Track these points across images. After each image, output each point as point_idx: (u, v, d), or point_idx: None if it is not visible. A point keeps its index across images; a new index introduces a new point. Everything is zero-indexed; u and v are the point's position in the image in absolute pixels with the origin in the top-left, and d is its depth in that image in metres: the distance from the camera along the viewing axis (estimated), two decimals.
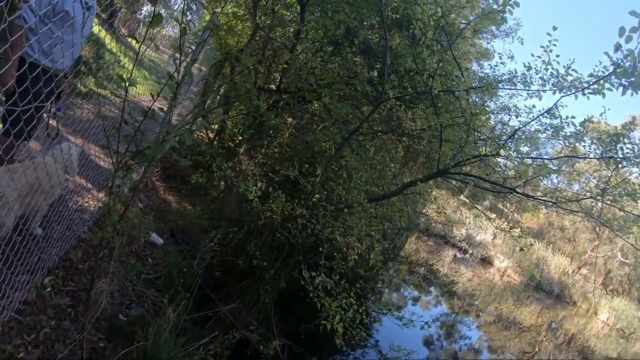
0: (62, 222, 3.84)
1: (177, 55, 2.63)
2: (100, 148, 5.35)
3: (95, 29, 10.09)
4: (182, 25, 2.55)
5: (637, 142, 5.01)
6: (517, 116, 6.86)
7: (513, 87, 6.60)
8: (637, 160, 4.83)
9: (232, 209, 6.22)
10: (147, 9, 17.94)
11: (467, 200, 9.92)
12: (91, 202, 4.89)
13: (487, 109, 6.54)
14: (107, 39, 10.67)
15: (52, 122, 3.65)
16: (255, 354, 4.69)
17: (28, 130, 2.89)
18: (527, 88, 5.80)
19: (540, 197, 5.97)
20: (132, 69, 2.78)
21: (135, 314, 3.84)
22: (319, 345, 5.60)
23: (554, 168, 5.82)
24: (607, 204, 5.37)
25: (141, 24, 19.33)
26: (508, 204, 27.77)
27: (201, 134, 9.12)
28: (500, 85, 6.91)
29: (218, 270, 5.25)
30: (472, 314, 15.55)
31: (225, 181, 5.01)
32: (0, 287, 2.76)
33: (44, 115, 3.63)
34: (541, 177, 5.92)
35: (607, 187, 5.17)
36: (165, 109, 5.37)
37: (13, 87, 3.10)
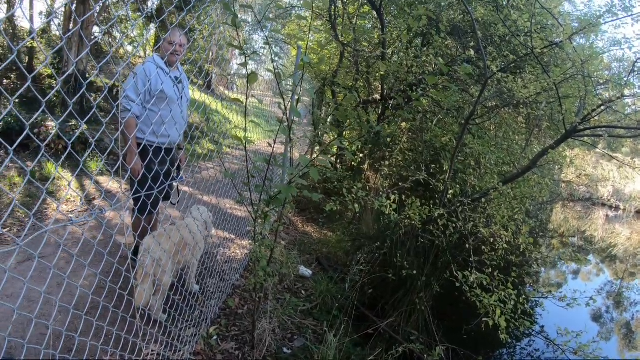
0: (215, 275, 4.16)
1: (280, 100, 2.76)
2: (234, 201, 5.70)
3: (197, 95, 10.92)
4: (276, 70, 2.69)
5: None
6: (630, 48, 6.15)
7: (616, 18, 5.90)
8: None
9: (370, 226, 6.25)
10: (236, 61, 19.10)
11: (604, 153, 9.03)
12: (237, 251, 5.23)
13: (596, 50, 5.95)
14: (210, 101, 11.50)
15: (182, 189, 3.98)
16: None
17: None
18: (631, 14, 5.20)
19: None
20: (245, 127, 2.95)
21: (298, 345, 3.97)
22: (482, 343, 5.38)
23: None
24: None
25: (235, 76, 20.58)
26: None
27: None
28: (601, 20, 6.24)
29: (370, 288, 5.28)
30: (638, 276, 14.08)
31: (359, 203, 5.05)
32: (172, 344, 3.05)
33: (174, 184, 4.00)
34: None
35: None
36: (282, 150, 5.64)
37: (143, 173, 3.45)
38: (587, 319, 8.68)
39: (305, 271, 5.51)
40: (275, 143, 2.95)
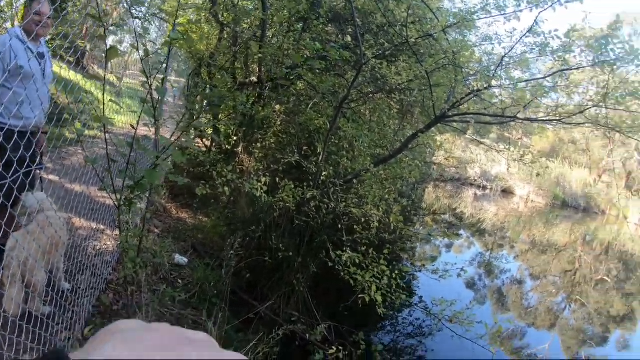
0: (85, 271, 3.86)
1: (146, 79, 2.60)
2: (99, 189, 5.32)
3: (65, 73, 10.03)
4: (144, 47, 2.53)
5: (627, 39, 4.86)
6: (500, 43, 6.65)
7: (489, 15, 6.35)
8: (630, 58, 4.69)
9: (245, 210, 6.17)
10: (112, 39, 17.88)
11: (473, 138, 9.90)
12: (109, 243, 4.88)
13: (468, 43, 6.38)
14: (80, 80, 10.59)
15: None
16: (304, 342, 4.71)
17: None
18: (502, 13, 5.61)
19: (543, 118, 5.84)
20: (103, 108, 2.73)
21: None
22: (365, 317, 5.61)
23: (550, 85, 5.68)
24: (612, 108, 5.25)
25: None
26: (514, 132, 27.63)
27: (198, 144, 9.06)
28: (475, 16, 6.69)
29: (247, 273, 5.24)
30: (506, 247, 15.68)
31: (229, 186, 4.95)
32: (43, 352, 2.77)
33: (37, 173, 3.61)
34: (539, 98, 5.79)
35: (607, 91, 5.03)
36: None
37: None
38: (463, 287, 9.44)
39: (181, 259, 5.32)
40: (138, 125, 2.76)
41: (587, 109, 5.31)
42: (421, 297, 7.48)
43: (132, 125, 2.85)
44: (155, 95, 2.71)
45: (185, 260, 5.36)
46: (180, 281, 4.95)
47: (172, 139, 2.91)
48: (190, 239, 6.15)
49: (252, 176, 5.28)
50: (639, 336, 9.70)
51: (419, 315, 6.82)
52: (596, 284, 12.88)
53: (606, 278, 13.63)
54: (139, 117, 2.72)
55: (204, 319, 3.84)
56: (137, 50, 2.59)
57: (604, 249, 19.00)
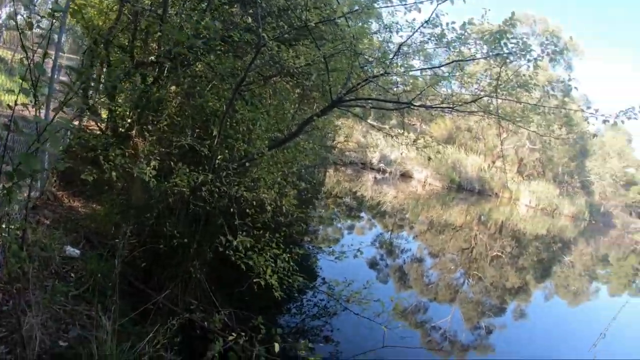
0: None
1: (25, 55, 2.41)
2: None
3: None
4: (29, 19, 2.35)
5: (522, 35, 5.22)
6: (397, 32, 6.83)
7: (389, 5, 6.46)
8: (522, 53, 5.04)
9: (139, 196, 5.91)
10: (5, 11, 16.16)
11: (373, 124, 10.25)
12: None
13: (368, 31, 6.48)
14: None
15: None
16: (204, 330, 4.64)
17: None
18: (403, 2, 5.75)
19: (437, 105, 6.05)
20: None
21: (73, 335, 3.68)
22: (267, 302, 5.64)
23: (445, 75, 5.94)
24: (503, 99, 5.61)
25: (3, 28, 17.33)
26: (414, 118, 28.93)
27: (92, 127, 8.52)
28: (375, 4, 6.80)
29: (142, 262, 5.07)
30: (406, 228, 16.50)
31: (117, 170, 4.72)
32: None
33: None
34: (434, 87, 6.05)
35: (499, 83, 5.36)
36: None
37: None
38: (366, 268, 9.80)
39: (73, 251, 5.03)
40: (16, 104, 2.54)
41: (479, 98, 5.63)
42: (324, 278, 7.68)
43: (9, 105, 2.64)
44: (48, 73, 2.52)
45: (77, 252, 5.08)
46: (72, 275, 4.68)
47: (56, 119, 2.72)
48: (83, 228, 5.80)
49: (141, 160, 5.05)
50: (533, 306, 10.78)
51: (323, 296, 6.96)
52: (491, 259, 14.03)
53: (500, 254, 14.89)
54: (17, 96, 2.52)
55: (98, 313, 3.67)
56: (16, 23, 2.40)
57: (498, 228, 20.69)
